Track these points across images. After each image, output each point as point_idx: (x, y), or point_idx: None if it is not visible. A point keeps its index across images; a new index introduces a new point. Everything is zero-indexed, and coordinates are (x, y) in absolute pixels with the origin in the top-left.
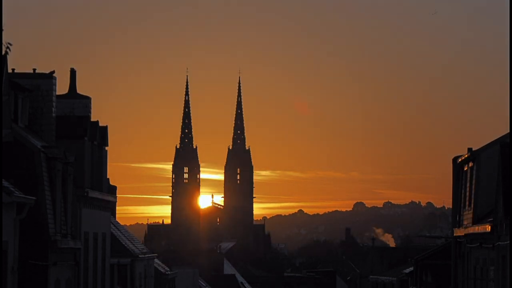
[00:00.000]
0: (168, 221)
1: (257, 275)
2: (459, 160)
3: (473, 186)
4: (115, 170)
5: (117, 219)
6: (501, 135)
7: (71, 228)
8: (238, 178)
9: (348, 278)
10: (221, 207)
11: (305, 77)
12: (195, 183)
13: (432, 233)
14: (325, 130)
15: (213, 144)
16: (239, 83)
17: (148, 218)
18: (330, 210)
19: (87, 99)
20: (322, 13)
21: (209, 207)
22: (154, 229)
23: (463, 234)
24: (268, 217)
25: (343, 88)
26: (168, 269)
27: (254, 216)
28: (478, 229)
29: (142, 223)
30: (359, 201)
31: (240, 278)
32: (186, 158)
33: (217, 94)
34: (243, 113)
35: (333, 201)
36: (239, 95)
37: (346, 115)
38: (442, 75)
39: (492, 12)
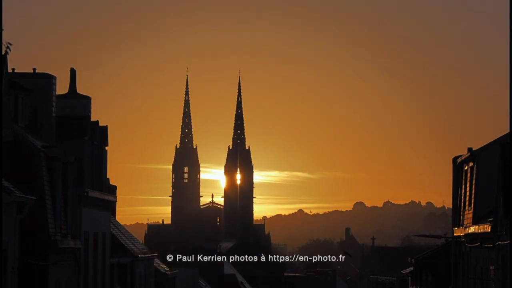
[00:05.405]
0: (168, 221)
1: (257, 275)
2: (459, 160)
3: (473, 186)
4: (115, 170)
5: (117, 219)
6: (501, 135)
7: (71, 228)
8: (238, 178)
9: (348, 278)
10: (221, 207)
11: (306, 77)
12: (195, 183)
13: (432, 233)
14: (326, 131)
15: (213, 144)
16: (239, 83)
17: (148, 218)
18: (330, 210)
19: (87, 99)
20: (322, 12)
21: (209, 207)
22: (154, 229)
23: (463, 234)
24: (268, 217)
25: (343, 88)
26: (168, 269)
27: (254, 216)
28: (478, 229)
29: (142, 223)
30: (359, 201)
31: (240, 278)
32: (186, 158)
33: (217, 94)
34: (243, 113)
35: (333, 201)
36: (239, 95)
37: (346, 116)
38: (442, 75)
39: (492, 12)
